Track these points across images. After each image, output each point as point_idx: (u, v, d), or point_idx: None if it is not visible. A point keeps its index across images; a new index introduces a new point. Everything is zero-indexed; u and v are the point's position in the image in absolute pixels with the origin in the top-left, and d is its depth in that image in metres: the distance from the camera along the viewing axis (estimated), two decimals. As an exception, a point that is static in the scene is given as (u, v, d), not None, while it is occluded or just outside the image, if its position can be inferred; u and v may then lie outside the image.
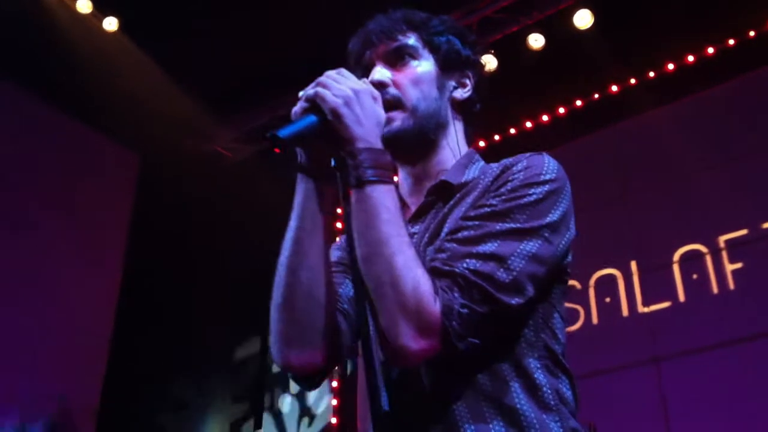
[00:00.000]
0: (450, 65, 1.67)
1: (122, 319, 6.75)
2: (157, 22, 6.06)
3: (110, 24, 6.18)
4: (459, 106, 1.69)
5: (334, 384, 6.46)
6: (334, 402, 6.48)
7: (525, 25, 6.01)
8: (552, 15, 5.98)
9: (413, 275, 1.29)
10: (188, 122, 6.49)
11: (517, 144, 6.00)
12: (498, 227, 1.37)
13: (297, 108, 1.42)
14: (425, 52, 1.65)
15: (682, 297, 5.43)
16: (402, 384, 1.43)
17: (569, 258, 1.50)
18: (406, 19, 1.66)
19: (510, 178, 1.44)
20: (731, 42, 5.84)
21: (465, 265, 1.32)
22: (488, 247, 1.34)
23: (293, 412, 6.79)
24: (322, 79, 1.42)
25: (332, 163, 1.42)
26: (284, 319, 1.46)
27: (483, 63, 1.77)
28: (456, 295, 1.30)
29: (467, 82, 1.70)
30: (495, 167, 1.54)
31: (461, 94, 1.69)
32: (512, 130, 6.49)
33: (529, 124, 6.46)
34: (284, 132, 1.33)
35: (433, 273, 1.32)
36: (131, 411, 6.88)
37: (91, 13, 6.11)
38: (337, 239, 1.72)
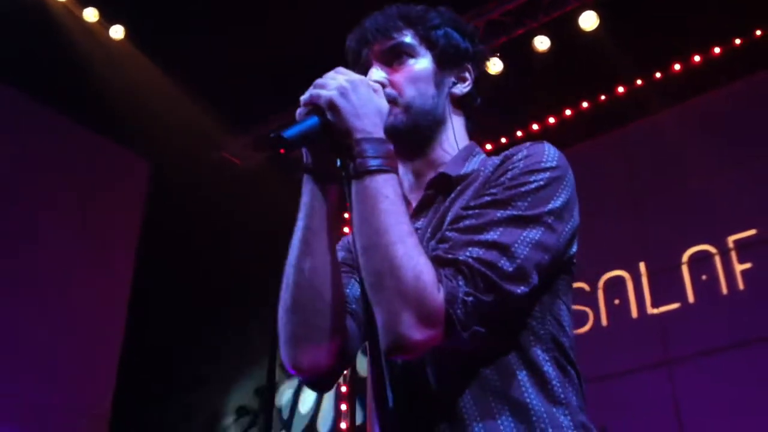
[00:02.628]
0: (448, 60, 1.62)
1: (133, 325, 6.76)
2: (164, 29, 6.08)
3: (116, 32, 6.21)
4: (458, 102, 1.65)
5: (344, 389, 6.46)
6: (344, 407, 6.47)
7: (531, 27, 6.00)
8: (557, 17, 5.97)
9: (414, 264, 1.25)
10: (198, 130, 6.52)
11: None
12: (499, 215, 1.34)
13: (299, 111, 1.40)
14: (422, 49, 1.60)
15: (691, 298, 5.41)
16: (408, 381, 1.40)
17: (575, 248, 1.46)
18: (401, 15, 1.62)
19: (510, 167, 1.41)
20: (738, 41, 5.83)
21: (468, 253, 1.29)
22: (491, 235, 1.31)
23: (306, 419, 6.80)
24: (318, 80, 1.41)
25: (338, 163, 1.40)
26: (293, 321, 1.43)
27: (484, 54, 1.71)
28: (460, 283, 1.26)
29: (467, 76, 1.66)
30: (496, 159, 1.50)
31: (460, 89, 1.64)
32: (519, 133, 6.49)
33: (536, 127, 6.46)
34: (288, 133, 1.33)
35: (436, 262, 1.28)
36: (143, 418, 6.89)
37: (98, 21, 6.14)
38: (342, 239, 1.69)
